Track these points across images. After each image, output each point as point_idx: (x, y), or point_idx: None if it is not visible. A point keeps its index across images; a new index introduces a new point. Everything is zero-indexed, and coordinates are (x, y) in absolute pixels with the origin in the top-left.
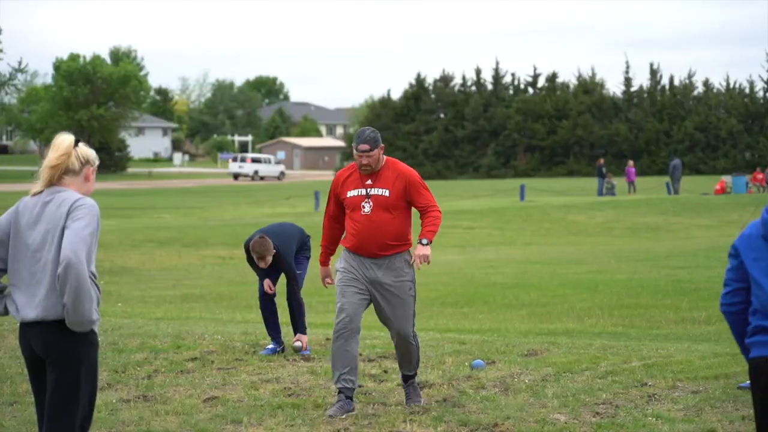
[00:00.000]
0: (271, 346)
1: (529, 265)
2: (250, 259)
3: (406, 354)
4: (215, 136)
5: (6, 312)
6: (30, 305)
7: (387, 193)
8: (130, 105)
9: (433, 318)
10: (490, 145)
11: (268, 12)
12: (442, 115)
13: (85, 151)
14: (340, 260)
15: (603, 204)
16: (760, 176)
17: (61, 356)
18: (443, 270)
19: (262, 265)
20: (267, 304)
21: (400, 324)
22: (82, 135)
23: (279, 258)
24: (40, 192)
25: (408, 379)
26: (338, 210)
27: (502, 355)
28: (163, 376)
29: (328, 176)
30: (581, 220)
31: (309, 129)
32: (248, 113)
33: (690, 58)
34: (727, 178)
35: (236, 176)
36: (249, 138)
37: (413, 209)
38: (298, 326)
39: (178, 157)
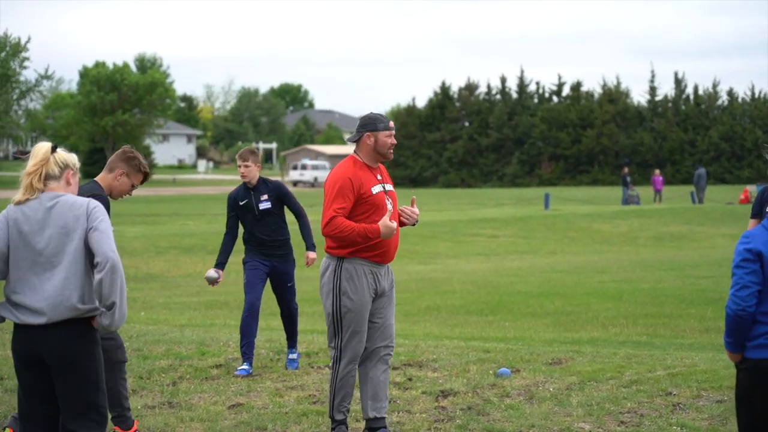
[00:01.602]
0: (246, 366)
1: (553, 274)
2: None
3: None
4: (240, 143)
5: (2, 321)
6: (42, 309)
7: (392, 188)
8: (156, 112)
9: (458, 326)
10: (515, 153)
11: (293, 19)
12: (466, 124)
13: (64, 156)
14: (343, 278)
15: (627, 213)
16: None
17: (80, 358)
18: (468, 278)
19: (243, 170)
20: (253, 320)
21: (393, 333)
22: (106, 141)
23: (288, 197)
24: (23, 201)
25: (380, 427)
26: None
27: (527, 364)
28: (188, 382)
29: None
30: (605, 229)
31: (333, 137)
32: (273, 120)
33: (715, 68)
34: (751, 188)
35: (296, 183)
36: (273, 145)
37: None
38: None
39: (202, 164)
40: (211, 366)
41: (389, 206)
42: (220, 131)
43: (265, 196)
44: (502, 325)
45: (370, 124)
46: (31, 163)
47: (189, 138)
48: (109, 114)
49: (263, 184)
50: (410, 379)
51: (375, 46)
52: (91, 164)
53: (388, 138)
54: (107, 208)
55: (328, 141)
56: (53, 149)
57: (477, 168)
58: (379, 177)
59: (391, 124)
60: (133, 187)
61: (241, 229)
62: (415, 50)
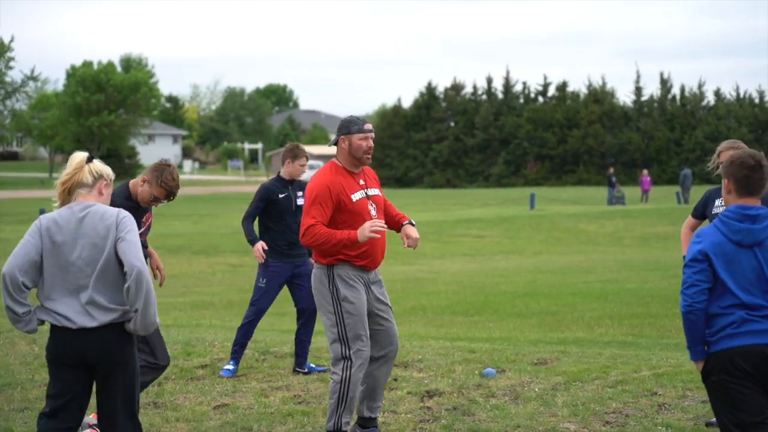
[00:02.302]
0: (231, 366)
1: (538, 274)
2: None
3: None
4: (225, 143)
5: (37, 328)
6: (83, 314)
7: (379, 192)
8: (141, 112)
9: (444, 326)
10: (501, 153)
11: (279, 20)
12: (452, 124)
13: (98, 166)
14: (339, 285)
15: (613, 213)
16: None
17: (121, 360)
18: (453, 279)
19: (299, 165)
20: (255, 326)
21: (396, 334)
22: (92, 142)
23: None
24: (59, 207)
25: (371, 426)
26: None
27: (512, 364)
28: (173, 383)
29: None
30: (591, 229)
31: (318, 137)
32: (258, 121)
33: (700, 68)
34: None
35: None
36: (259, 146)
37: None
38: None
39: (188, 164)
40: (197, 366)
41: (373, 212)
42: (205, 131)
43: (301, 193)
44: (487, 325)
45: (344, 127)
46: (65, 172)
47: (175, 138)
48: (94, 114)
49: (298, 181)
50: (396, 380)
51: (361, 46)
52: None
53: (362, 141)
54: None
55: (313, 141)
56: (89, 159)
57: (463, 168)
58: (361, 182)
59: (368, 126)
60: (154, 198)
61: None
62: (401, 51)
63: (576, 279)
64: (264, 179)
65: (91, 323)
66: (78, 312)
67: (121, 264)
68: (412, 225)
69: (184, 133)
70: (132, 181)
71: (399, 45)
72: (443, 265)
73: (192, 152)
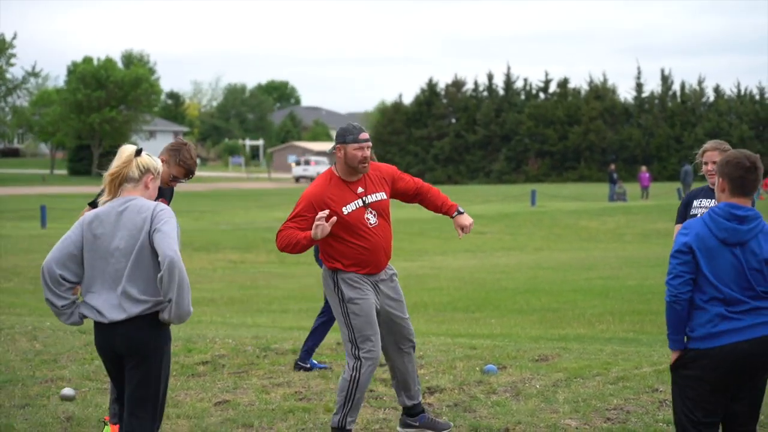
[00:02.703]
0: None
1: (539, 271)
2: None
3: (414, 370)
4: (226, 140)
5: (81, 321)
6: (116, 306)
7: (384, 195)
8: (142, 108)
9: (445, 323)
10: (502, 150)
11: (280, 16)
12: (453, 120)
13: (145, 160)
14: (344, 288)
15: (614, 210)
16: None
17: (146, 352)
18: (454, 275)
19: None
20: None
21: (410, 329)
22: (93, 138)
23: None
24: (107, 201)
25: (418, 412)
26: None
27: (513, 361)
28: (174, 379)
29: None
30: (592, 225)
31: (320, 133)
32: (259, 117)
33: (701, 65)
34: None
35: (298, 179)
36: (260, 142)
37: None
38: None
39: None
40: (198, 363)
41: (372, 220)
42: (207, 128)
43: None
44: (488, 321)
45: (340, 136)
46: (113, 165)
47: (176, 134)
48: (95, 111)
49: None
50: None
51: (362, 43)
52: (78, 161)
53: (357, 151)
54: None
55: (314, 138)
56: (137, 153)
57: (464, 165)
58: (360, 190)
59: (363, 135)
60: (174, 178)
61: None
62: (403, 47)
63: (577, 276)
64: (265, 176)
65: (120, 316)
66: (112, 305)
67: (155, 255)
68: (461, 213)
69: (186, 129)
70: None
71: (400, 42)
72: (444, 262)
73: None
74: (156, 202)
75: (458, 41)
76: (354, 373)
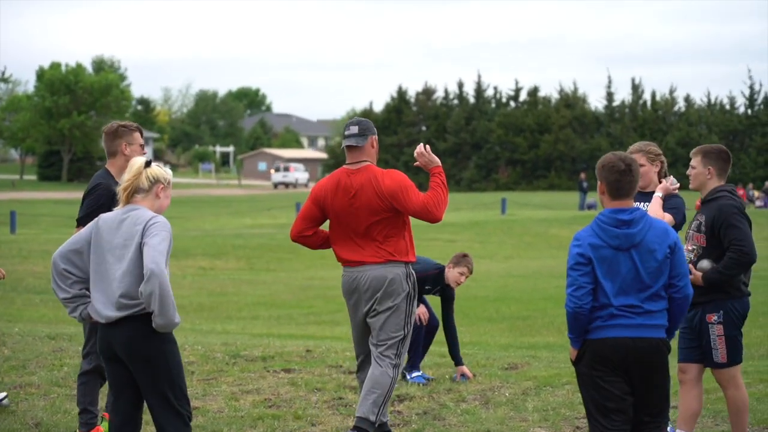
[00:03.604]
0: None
1: (509, 279)
2: None
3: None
4: (197, 146)
5: (82, 318)
6: (110, 306)
7: None
8: (112, 114)
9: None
10: (472, 158)
11: (251, 23)
12: (423, 128)
13: (155, 171)
14: (416, 285)
15: (584, 218)
16: (740, 192)
17: (146, 353)
18: None
19: None
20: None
21: None
22: (63, 144)
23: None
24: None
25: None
26: None
27: (483, 369)
28: None
29: (307, 188)
30: (563, 234)
31: (290, 140)
32: (230, 124)
33: (671, 74)
34: None
35: (276, 185)
36: (231, 149)
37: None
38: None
39: None
40: None
41: None
42: (177, 134)
43: None
44: (458, 329)
45: (372, 127)
46: (125, 177)
47: (146, 141)
48: (65, 116)
49: None
50: None
51: (333, 50)
52: (48, 166)
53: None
54: (111, 195)
55: (285, 144)
56: (147, 164)
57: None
58: None
59: None
60: (141, 147)
61: None
62: (373, 54)
63: (547, 284)
64: (235, 182)
65: (114, 315)
66: (106, 305)
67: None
68: None
69: (156, 135)
70: (108, 164)
71: (370, 49)
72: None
73: (163, 155)
74: (154, 214)
75: (429, 48)
76: (396, 373)
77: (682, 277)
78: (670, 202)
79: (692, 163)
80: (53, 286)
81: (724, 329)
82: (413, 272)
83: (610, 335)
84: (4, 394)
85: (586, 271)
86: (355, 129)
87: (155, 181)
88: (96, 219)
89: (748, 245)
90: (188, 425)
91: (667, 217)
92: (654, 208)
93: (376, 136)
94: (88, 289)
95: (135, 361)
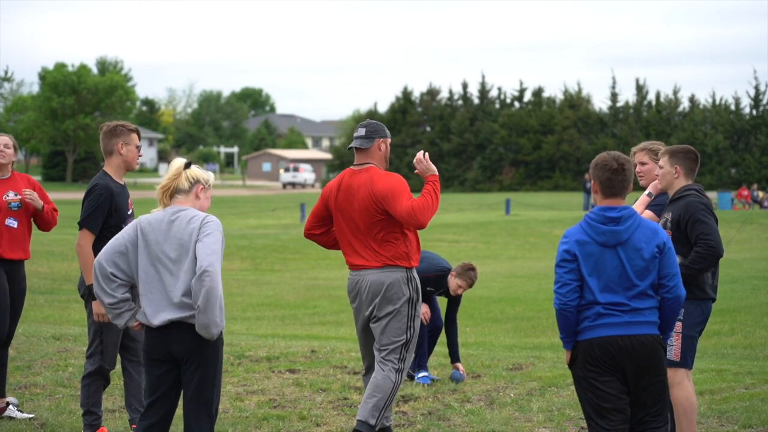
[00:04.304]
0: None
1: (514, 279)
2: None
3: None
4: (201, 147)
5: (126, 324)
6: (167, 310)
7: None
8: (116, 115)
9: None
10: (476, 158)
11: (255, 24)
12: (428, 129)
13: (194, 172)
14: (419, 289)
15: None
16: (745, 193)
17: (205, 353)
18: None
19: None
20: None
21: None
22: (68, 144)
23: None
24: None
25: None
26: None
27: (488, 369)
28: None
29: (314, 189)
30: None
31: (295, 141)
32: (234, 125)
33: (676, 74)
34: (712, 195)
35: (285, 185)
36: (235, 149)
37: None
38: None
39: (163, 167)
40: None
41: None
42: (181, 135)
43: None
44: (462, 330)
45: (381, 129)
46: (165, 178)
47: (150, 141)
48: (69, 117)
49: None
50: None
51: (337, 51)
52: (52, 167)
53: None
54: (110, 194)
55: (289, 145)
56: (186, 165)
57: (438, 173)
58: None
59: None
60: (138, 149)
61: None
62: (378, 55)
63: (551, 285)
64: (240, 183)
65: (174, 316)
66: (162, 308)
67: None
68: None
69: (160, 136)
70: (106, 165)
71: (375, 50)
72: None
73: (168, 156)
74: (205, 214)
75: (433, 49)
76: (399, 377)
77: (672, 277)
78: (657, 200)
79: (660, 162)
80: (97, 290)
81: (683, 327)
82: (415, 276)
83: (598, 335)
84: (15, 400)
85: (571, 268)
86: (362, 131)
87: (195, 182)
88: (136, 221)
89: (715, 240)
90: (213, 429)
91: (647, 213)
92: (636, 205)
93: (385, 139)
94: (132, 294)
95: (191, 361)
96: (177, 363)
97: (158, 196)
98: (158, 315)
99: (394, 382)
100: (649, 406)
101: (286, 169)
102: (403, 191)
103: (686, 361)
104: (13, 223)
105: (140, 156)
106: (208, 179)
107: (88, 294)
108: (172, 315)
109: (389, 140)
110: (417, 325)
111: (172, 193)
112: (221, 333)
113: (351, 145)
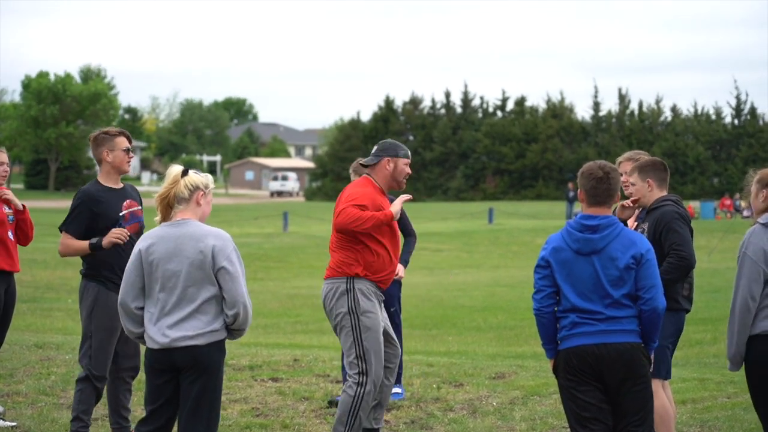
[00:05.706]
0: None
1: (497, 288)
2: None
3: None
4: (184, 155)
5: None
6: (176, 328)
7: None
8: (99, 123)
9: (402, 340)
10: (459, 167)
11: (238, 33)
12: (411, 138)
13: (193, 178)
14: (359, 299)
15: None
16: (727, 202)
17: (206, 366)
18: (411, 292)
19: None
20: None
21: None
22: (50, 153)
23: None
24: (160, 221)
25: None
26: None
27: (470, 378)
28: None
29: (298, 197)
30: None
31: (278, 150)
32: (216, 133)
33: (658, 83)
34: (694, 204)
35: (273, 194)
36: (217, 158)
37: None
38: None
39: (146, 176)
40: None
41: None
42: (164, 143)
43: None
44: (445, 339)
45: (391, 149)
46: (163, 187)
47: (134, 150)
48: (52, 126)
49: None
50: None
51: (320, 60)
52: (35, 175)
53: (405, 166)
54: (90, 199)
55: (272, 154)
56: (184, 173)
57: (421, 182)
58: (390, 200)
59: (409, 154)
60: (126, 152)
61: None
62: (360, 64)
63: None
64: (222, 191)
65: (168, 340)
66: (164, 328)
67: (214, 283)
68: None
69: (143, 144)
70: (100, 175)
71: (358, 58)
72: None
73: (150, 164)
74: (217, 230)
75: (415, 58)
76: (359, 390)
77: (649, 289)
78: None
79: (631, 180)
80: (127, 325)
81: None
82: (357, 287)
83: (574, 344)
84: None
85: (545, 274)
86: (374, 149)
87: (195, 189)
88: (137, 247)
89: (687, 250)
90: None
91: (629, 222)
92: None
93: (395, 159)
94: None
95: (194, 371)
96: (178, 372)
97: (156, 206)
98: (171, 332)
99: (352, 396)
100: (631, 415)
101: (275, 178)
102: (354, 199)
103: (659, 371)
104: (12, 235)
105: (131, 157)
106: (207, 183)
107: (97, 245)
108: (181, 332)
109: (404, 160)
110: (369, 336)
111: (171, 202)
112: (224, 344)
113: (362, 161)
